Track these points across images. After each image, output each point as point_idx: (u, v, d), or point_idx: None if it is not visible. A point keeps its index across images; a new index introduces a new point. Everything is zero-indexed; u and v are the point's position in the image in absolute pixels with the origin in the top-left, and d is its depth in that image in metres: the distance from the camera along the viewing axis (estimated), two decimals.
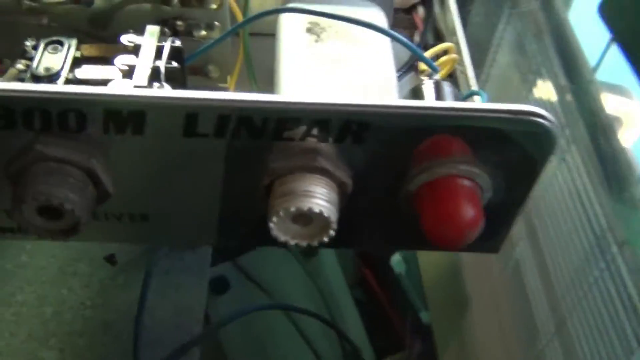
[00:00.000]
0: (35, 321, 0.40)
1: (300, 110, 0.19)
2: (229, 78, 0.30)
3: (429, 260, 0.60)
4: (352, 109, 0.19)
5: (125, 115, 0.19)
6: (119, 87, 0.21)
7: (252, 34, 0.29)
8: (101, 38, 0.28)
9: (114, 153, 0.20)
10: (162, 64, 0.24)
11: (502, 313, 0.43)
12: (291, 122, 0.20)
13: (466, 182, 0.21)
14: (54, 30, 0.27)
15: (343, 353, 0.60)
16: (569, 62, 0.56)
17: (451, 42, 0.31)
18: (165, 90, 0.19)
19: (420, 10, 0.36)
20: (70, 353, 0.39)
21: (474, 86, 0.28)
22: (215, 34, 0.28)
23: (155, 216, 0.23)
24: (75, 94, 0.19)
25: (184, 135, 0.20)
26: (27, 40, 0.25)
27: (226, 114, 0.19)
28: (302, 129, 0.20)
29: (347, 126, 0.20)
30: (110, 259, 0.40)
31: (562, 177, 0.43)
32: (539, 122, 0.20)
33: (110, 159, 0.21)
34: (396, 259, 0.66)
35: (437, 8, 0.35)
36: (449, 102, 0.20)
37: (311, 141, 0.20)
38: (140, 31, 0.26)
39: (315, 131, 0.20)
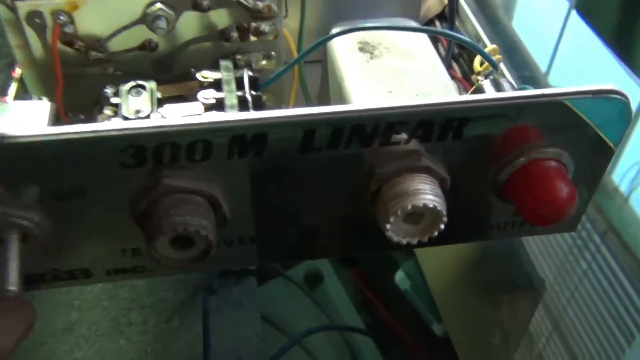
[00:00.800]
0: None
1: (409, 112, 0.21)
2: (283, 106, 0.32)
3: (435, 272, 0.61)
4: (454, 106, 0.21)
5: (249, 139, 0.20)
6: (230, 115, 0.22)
7: None
8: (162, 80, 0.29)
9: (232, 177, 0.21)
10: (247, 93, 0.25)
11: None
12: (399, 126, 0.21)
13: (554, 163, 0.23)
14: (117, 78, 0.29)
15: None
16: (523, 69, 0.59)
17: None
18: (284, 111, 0.20)
19: (438, 23, 0.38)
20: None
21: (514, 83, 0.30)
22: (272, 64, 0.30)
23: (266, 237, 0.24)
24: (205, 123, 0.20)
25: (300, 152, 0.21)
26: (106, 88, 0.26)
27: (340, 125, 0.21)
28: (409, 131, 0.21)
29: (450, 123, 0.21)
30: (210, 289, 0.40)
31: None
32: (618, 98, 0.22)
33: (228, 184, 0.22)
34: (400, 277, 0.68)
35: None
36: (536, 90, 0.22)
37: (412, 143, 0.22)
38: (199, 68, 0.28)
39: (420, 132, 0.21)
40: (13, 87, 0.29)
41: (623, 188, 0.48)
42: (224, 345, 0.41)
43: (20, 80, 0.30)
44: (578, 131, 0.23)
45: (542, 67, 0.61)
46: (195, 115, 0.25)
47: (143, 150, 0.20)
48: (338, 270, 0.70)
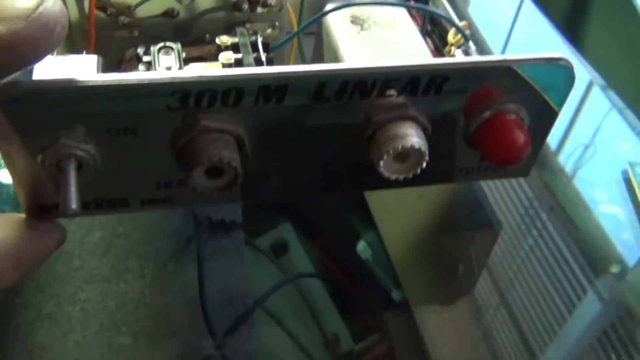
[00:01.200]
0: (102, 314, 0.44)
1: (402, 71, 0.26)
2: None
3: (395, 241, 0.66)
4: (438, 66, 0.26)
5: (274, 88, 0.25)
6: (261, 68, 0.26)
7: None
8: (181, 43, 0.33)
9: (254, 121, 0.26)
10: (262, 55, 0.30)
11: None
12: (394, 82, 0.26)
13: (513, 116, 0.29)
14: (141, 40, 0.33)
15: (323, 340, 0.66)
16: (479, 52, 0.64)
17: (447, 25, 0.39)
18: (302, 66, 0.25)
19: (412, 1, 0.43)
20: (143, 335, 0.43)
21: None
22: (276, 32, 0.34)
23: (277, 174, 0.29)
24: (241, 75, 0.24)
25: (312, 100, 0.26)
26: (138, 48, 0.31)
27: (347, 80, 0.26)
28: (401, 86, 0.26)
29: (434, 80, 0.26)
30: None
31: None
32: (565, 65, 0.27)
33: (250, 126, 0.26)
34: (361, 246, 0.73)
35: None
36: (503, 55, 0.27)
37: (402, 97, 0.27)
38: (213, 34, 0.32)
39: (409, 87, 0.27)
40: None
41: (568, 168, 0.54)
42: (217, 288, 0.46)
43: None
44: (530, 93, 0.28)
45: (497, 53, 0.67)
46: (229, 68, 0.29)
47: (188, 95, 0.24)
48: (303, 240, 0.75)
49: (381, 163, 0.27)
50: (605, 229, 0.47)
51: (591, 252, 0.46)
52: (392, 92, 0.27)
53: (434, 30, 0.40)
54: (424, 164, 0.27)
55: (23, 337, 0.43)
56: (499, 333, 0.44)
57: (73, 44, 0.33)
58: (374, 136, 0.27)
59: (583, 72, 0.62)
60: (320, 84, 0.25)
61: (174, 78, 0.24)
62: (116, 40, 0.32)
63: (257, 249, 0.69)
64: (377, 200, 0.67)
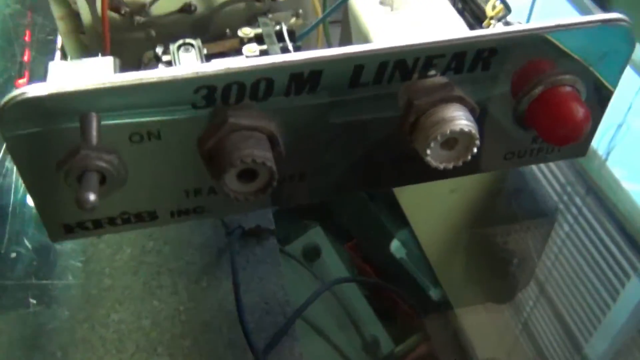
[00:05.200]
0: (137, 335, 0.42)
1: (446, 45, 0.23)
2: None
3: (430, 238, 0.64)
4: (484, 38, 0.24)
5: (306, 76, 0.23)
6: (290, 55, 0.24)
7: None
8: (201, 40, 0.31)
9: (288, 115, 0.24)
10: (289, 45, 0.27)
11: None
12: (437, 59, 0.24)
13: (569, 89, 0.26)
14: (159, 40, 0.31)
15: (362, 344, 0.64)
16: None
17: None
18: (335, 49, 0.23)
19: None
20: (180, 354, 0.41)
21: None
22: (300, 22, 0.32)
23: (312, 173, 0.26)
24: (269, 63, 0.22)
25: (349, 87, 0.24)
26: (157, 47, 0.29)
27: (385, 60, 0.23)
28: (444, 64, 0.24)
29: (480, 54, 0.24)
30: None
31: None
32: (624, 25, 0.25)
33: (283, 121, 0.24)
34: (395, 245, 0.70)
35: None
36: (555, 20, 0.25)
37: (444, 76, 0.25)
38: (234, 29, 0.30)
39: (453, 64, 0.24)
40: (57, 55, 0.31)
41: (601, 149, 0.51)
42: (253, 300, 0.44)
43: (62, 50, 0.32)
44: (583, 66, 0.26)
45: None
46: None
47: (213, 90, 0.22)
48: (334, 244, 0.73)
49: (428, 152, 0.24)
50: None
51: (631, 233, 0.43)
52: (434, 71, 0.24)
53: (465, 7, 0.38)
54: (475, 149, 0.25)
55: None
56: (541, 325, 0.42)
57: (81, 50, 0.31)
58: (418, 122, 0.25)
59: None
60: (357, 67, 0.23)
61: (197, 72, 0.22)
62: (133, 42, 0.31)
63: (290, 255, 0.67)
64: (408, 197, 0.65)
